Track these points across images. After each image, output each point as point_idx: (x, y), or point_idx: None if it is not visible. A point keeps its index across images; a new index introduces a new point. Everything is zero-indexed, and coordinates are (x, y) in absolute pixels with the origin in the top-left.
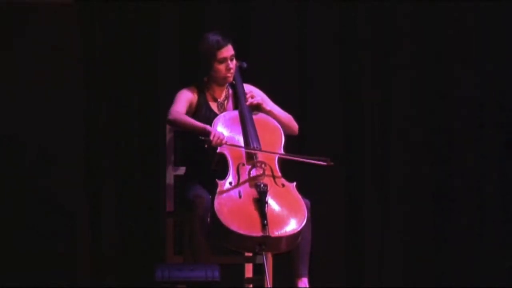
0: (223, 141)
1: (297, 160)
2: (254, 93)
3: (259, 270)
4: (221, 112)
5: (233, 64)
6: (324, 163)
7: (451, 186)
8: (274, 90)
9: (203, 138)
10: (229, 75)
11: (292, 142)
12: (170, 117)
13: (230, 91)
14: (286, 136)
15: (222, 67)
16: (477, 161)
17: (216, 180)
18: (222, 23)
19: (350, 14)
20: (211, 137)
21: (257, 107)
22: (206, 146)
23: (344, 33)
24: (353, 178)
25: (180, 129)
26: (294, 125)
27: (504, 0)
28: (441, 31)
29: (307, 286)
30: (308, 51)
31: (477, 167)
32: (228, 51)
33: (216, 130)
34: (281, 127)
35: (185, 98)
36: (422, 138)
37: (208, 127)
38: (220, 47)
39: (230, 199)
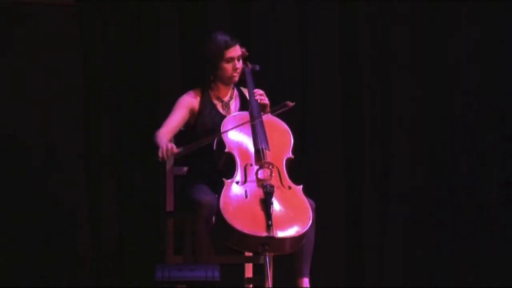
0: (174, 150)
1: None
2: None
3: (259, 270)
4: (226, 112)
5: (239, 64)
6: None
7: (451, 185)
8: (274, 90)
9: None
10: (235, 74)
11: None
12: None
13: (236, 92)
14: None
15: (229, 66)
16: (477, 161)
17: (223, 179)
18: (223, 22)
19: (350, 14)
20: (160, 153)
21: (264, 108)
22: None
23: (344, 33)
24: (353, 178)
25: None
26: None
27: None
28: (441, 31)
29: (308, 286)
30: (309, 50)
31: (477, 167)
32: (236, 51)
33: (166, 144)
34: None
35: (182, 106)
36: (422, 138)
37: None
38: (228, 46)
39: (236, 198)
